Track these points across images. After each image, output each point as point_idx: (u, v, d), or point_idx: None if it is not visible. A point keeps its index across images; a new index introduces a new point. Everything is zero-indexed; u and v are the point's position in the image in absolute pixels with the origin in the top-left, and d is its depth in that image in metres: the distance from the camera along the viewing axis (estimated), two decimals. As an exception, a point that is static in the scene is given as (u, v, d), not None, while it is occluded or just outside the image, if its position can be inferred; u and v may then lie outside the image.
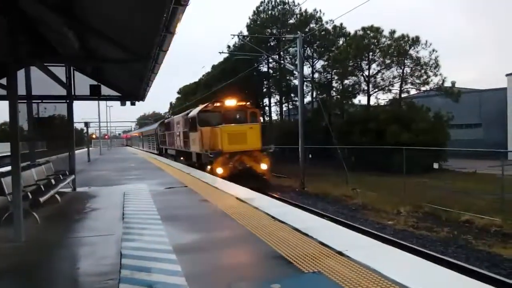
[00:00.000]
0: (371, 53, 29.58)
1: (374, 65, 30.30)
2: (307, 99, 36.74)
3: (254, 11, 37.80)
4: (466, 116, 33.30)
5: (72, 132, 10.21)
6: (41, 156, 9.77)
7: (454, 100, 27.16)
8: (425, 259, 4.04)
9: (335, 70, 33.31)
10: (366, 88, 31.20)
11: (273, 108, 42.56)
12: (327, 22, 34.75)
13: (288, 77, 37.25)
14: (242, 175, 13.78)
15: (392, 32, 28.26)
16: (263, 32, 34.50)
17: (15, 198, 5.01)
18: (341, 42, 34.44)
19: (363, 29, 29.43)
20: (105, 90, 9.88)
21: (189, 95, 47.06)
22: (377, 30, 28.76)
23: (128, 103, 11.01)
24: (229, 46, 37.18)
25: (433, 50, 27.22)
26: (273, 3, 36.92)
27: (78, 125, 39.77)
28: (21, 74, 8.30)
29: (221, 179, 11.62)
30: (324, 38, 35.39)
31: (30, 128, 9.58)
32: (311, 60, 36.73)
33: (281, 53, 36.18)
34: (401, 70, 28.79)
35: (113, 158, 28.90)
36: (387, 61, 28.81)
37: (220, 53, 36.45)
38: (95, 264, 4.02)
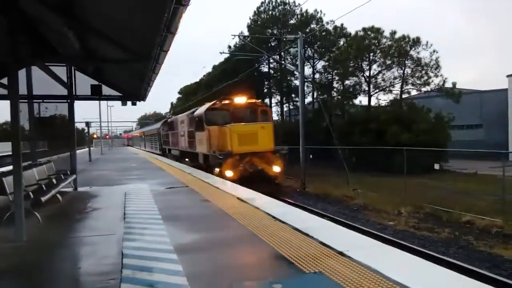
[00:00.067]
0: (371, 54, 29.59)
1: (374, 66, 30.37)
2: (308, 99, 36.73)
3: (254, 11, 37.88)
4: (467, 117, 33.28)
5: (73, 132, 10.22)
6: (43, 155, 9.78)
7: (455, 101, 27.15)
8: (427, 259, 4.04)
9: (335, 71, 33.30)
10: (367, 88, 31.27)
11: (274, 109, 42.53)
12: (327, 23, 34.84)
13: (289, 78, 37.26)
14: (253, 178, 12.89)
15: (393, 33, 28.32)
16: (263, 33, 34.51)
17: (16, 197, 5.01)
18: (341, 43, 34.44)
19: (364, 29, 29.45)
20: (106, 90, 9.90)
21: (190, 95, 47.08)
22: (377, 31, 28.78)
23: (129, 103, 11.03)
24: (229, 46, 37.23)
25: (434, 51, 27.31)
26: (273, 3, 36.98)
27: (79, 125, 39.97)
28: (22, 74, 8.33)
29: (222, 179, 11.58)
30: (324, 39, 35.40)
31: (32, 128, 9.60)
32: (312, 61, 36.74)
33: (282, 53, 36.20)
34: (401, 71, 28.84)
35: (114, 158, 28.92)
36: (388, 62, 28.82)
37: (221, 53, 36.36)
38: (97, 263, 4.02)
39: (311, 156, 22.60)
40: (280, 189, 14.55)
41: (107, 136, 63.26)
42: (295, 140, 21.59)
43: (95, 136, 61.37)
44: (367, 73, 30.82)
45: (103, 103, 42.69)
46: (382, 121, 25.61)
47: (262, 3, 37.26)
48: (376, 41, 28.93)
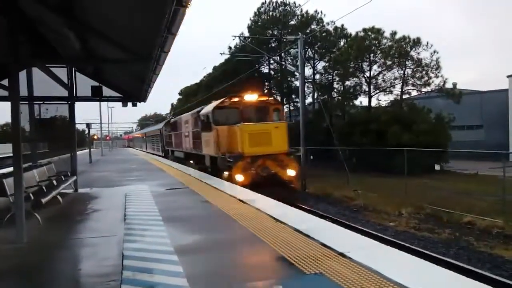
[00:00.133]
0: (372, 55, 29.63)
1: (375, 67, 30.41)
2: (308, 100, 36.74)
3: (255, 12, 37.89)
4: (468, 117, 33.28)
5: (74, 133, 10.22)
6: (43, 157, 9.80)
7: (456, 102, 27.17)
8: (427, 260, 4.03)
9: (336, 71, 33.32)
10: (367, 89, 31.31)
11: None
12: (328, 23, 34.90)
13: (289, 78, 37.28)
14: (266, 183, 11.74)
15: (393, 33, 28.36)
16: (264, 33, 34.52)
17: (17, 199, 5.01)
18: (342, 43, 34.47)
19: (364, 30, 29.48)
20: (106, 91, 9.91)
21: (190, 96, 47.05)
22: (378, 31, 28.81)
23: (129, 104, 11.04)
24: (230, 47, 37.26)
25: (434, 52, 27.35)
26: (274, 4, 37.00)
27: (80, 126, 39.91)
28: (22, 75, 8.34)
29: (222, 180, 11.56)
30: (325, 39, 35.41)
31: (32, 129, 9.61)
32: (312, 61, 36.76)
33: (282, 54, 36.23)
34: (402, 72, 28.87)
35: (115, 159, 28.92)
36: (388, 63, 28.85)
37: (221, 54, 36.58)
38: (97, 265, 4.02)
39: (311, 157, 22.58)
40: (297, 194, 13.36)
41: (108, 138, 63.29)
42: (295, 141, 21.56)
43: (95, 137, 61.36)
44: (367, 74, 30.88)
45: (104, 104, 42.77)
46: (382, 122, 25.62)
47: (262, 4, 37.35)
48: (376, 42, 28.96)
